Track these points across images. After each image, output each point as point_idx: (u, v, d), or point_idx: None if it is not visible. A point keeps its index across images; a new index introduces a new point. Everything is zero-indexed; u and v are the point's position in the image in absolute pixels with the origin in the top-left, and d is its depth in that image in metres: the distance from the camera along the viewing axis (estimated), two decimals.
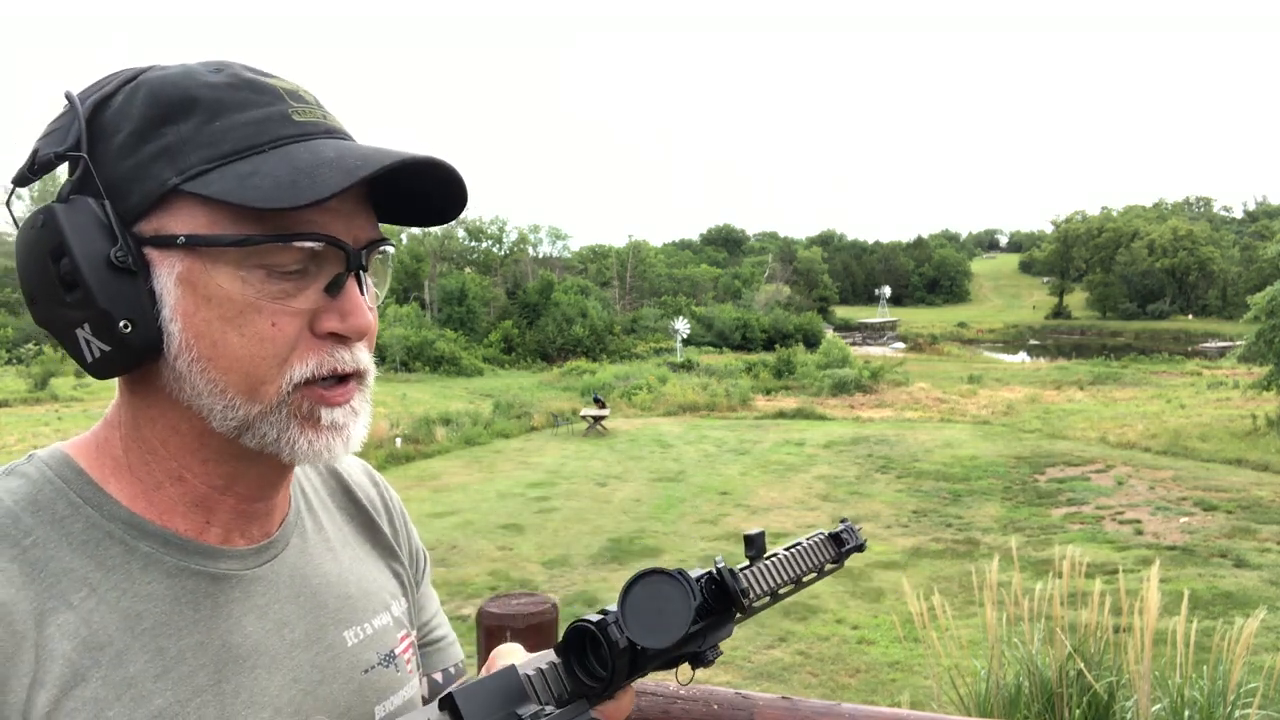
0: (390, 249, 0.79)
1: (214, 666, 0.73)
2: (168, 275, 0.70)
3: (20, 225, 0.71)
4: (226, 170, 0.69)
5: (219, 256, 0.69)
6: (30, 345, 34.25)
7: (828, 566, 0.94)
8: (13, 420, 22.24)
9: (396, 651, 0.90)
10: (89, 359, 0.70)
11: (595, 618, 0.69)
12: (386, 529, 0.99)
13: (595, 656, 0.70)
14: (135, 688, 0.69)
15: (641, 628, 0.67)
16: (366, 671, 0.85)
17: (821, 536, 0.94)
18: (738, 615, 0.79)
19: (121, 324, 0.68)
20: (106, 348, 0.69)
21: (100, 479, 0.74)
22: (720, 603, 0.73)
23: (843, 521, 0.98)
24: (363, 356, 0.76)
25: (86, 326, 0.69)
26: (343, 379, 0.75)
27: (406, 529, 1.03)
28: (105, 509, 0.73)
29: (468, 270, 51.62)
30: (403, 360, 36.05)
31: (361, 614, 0.88)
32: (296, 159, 0.69)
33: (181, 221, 0.69)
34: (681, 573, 0.68)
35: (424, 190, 0.78)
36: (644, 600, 0.68)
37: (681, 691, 1.61)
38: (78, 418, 22.41)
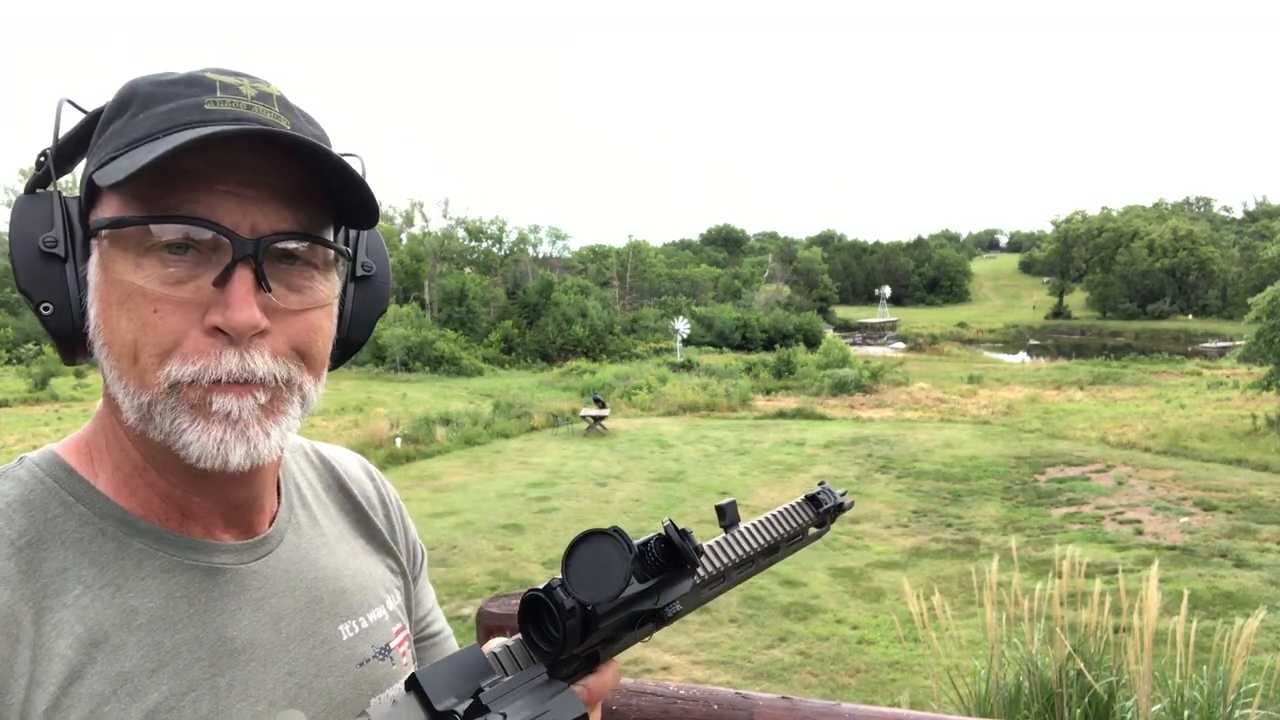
0: (295, 246, 0.73)
1: (209, 660, 0.74)
2: (93, 262, 0.72)
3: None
4: (121, 158, 0.70)
5: (122, 242, 0.70)
6: (30, 345, 34.23)
7: (811, 531, 0.94)
8: (13, 420, 22.25)
9: (392, 645, 0.90)
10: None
11: (544, 585, 0.71)
12: (382, 524, 0.99)
13: (550, 623, 0.71)
14: (131, 682, 0.69)
15: (584, 586, 0.69)
16: (362, 665, 0.85)
17: (797, 501, 0.94)
18: (700, 575, 0.79)
19: (41, 305, 0.71)
20: (43, 330, 0.73)
21: (90, 476, 0.75)
22: (671, 560, 0.73)
23: (820, 484, 0.97)
24: (259, 365, 0.70)
25: (32, 310, 0.73)
26: (240, 384, 0.70)
27: (404, 524, 1.03)
28: (97, 506, 0.74)
29: (468, 270, 51.61)
30: (403, 360, 36.05)
31: (357, 608, 0.88)
32: (173, 142, 0.67)
33: (102, 211, 0.72)
34: (617, 530, 0.70)
35: (356, 198, 0.75)
36: (585, 561, 0.69)
37: (681, 691, 1.61)
38: (77, 418, 22.39)
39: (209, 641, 0.74)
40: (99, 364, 0.73)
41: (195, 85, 0.73)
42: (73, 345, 0.73)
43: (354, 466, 1.03)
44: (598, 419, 20.14)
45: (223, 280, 0.69)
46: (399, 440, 17.84)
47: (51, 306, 0.71)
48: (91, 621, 0.69)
